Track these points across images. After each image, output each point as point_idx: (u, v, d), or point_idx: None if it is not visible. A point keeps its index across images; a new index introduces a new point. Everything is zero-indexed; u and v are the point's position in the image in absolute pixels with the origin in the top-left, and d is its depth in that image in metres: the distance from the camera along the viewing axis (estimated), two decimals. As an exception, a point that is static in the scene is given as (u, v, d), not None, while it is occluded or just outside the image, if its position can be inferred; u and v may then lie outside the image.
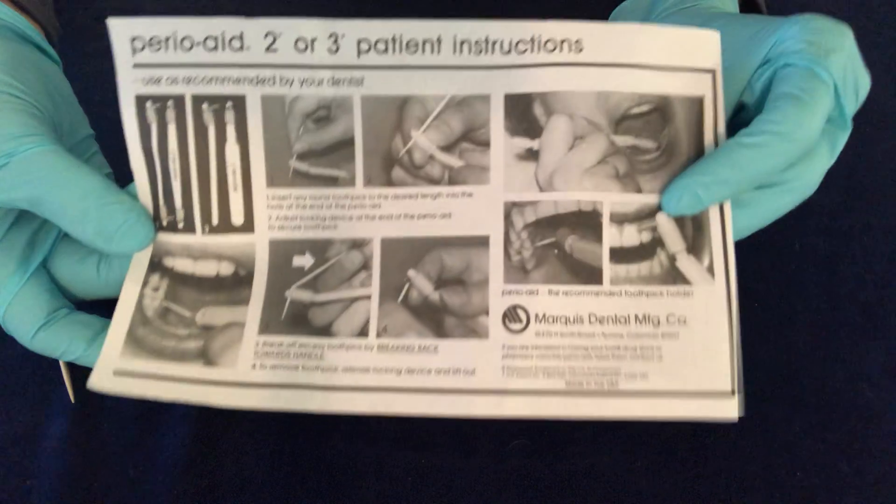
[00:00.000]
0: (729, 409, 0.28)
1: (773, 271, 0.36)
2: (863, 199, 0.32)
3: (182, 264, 0.30)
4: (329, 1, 0.46)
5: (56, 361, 0.34)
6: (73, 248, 0.30)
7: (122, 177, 0.31)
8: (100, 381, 0.28)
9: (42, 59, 0.32)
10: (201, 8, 0.46)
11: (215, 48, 0.29)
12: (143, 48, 0.29)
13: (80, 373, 0.34)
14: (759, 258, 0.31)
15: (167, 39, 0.28)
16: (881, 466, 0.32)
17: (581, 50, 0.29)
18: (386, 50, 0.29)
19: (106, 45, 0.44)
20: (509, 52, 0.29)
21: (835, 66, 0.28)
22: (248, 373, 0.29)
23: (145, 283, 0.29)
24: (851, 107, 0.29)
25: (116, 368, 0.28)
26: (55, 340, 0.29)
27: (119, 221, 0.27)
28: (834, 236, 0.38)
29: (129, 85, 0.29)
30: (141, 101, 0.29)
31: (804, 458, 0.32)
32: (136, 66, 0.29)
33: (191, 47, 0.29)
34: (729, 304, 0.28)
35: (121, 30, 0.28)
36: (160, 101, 0.29)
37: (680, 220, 0.29)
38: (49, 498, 0.31)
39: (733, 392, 0.28)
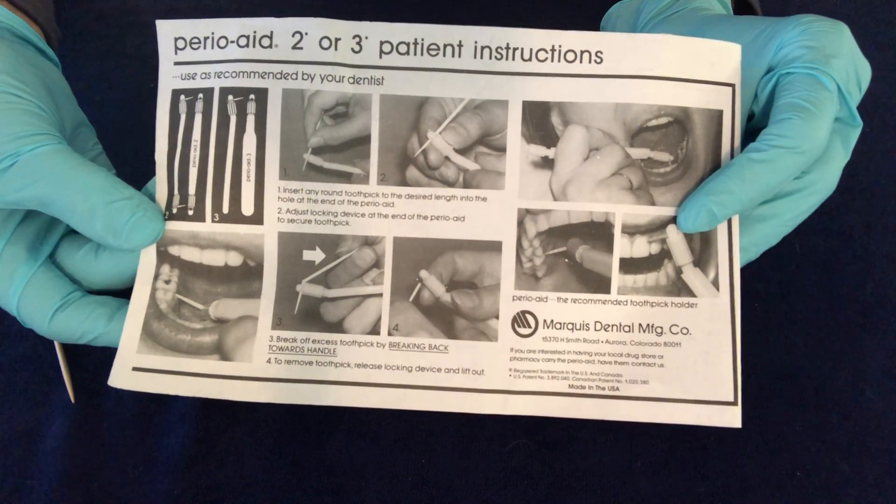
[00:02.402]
0: (732, 418, 0.29)
1: (773, 271, 0.36)
2: (863, 199, 0.32)
3: (189, 253, 0.30)
4: (327, 0, 0.46)
5: (56, 361, 0.34)
6: (74, 239, 0.30)
7: (122, 175, 0.31)
8: (119, 379, 0.29)
9: (41, 60, 0.32)
10: (202, 7, 0.46)
11: (247, 45, 0.30)
12: (184, 47, 0.30)
13: (80, 373, 0.34)
14: (759, 258, 0.31)
15: (206, 39, 0.30)
16: (881, 466, 0.32)
17: (601, 61, 0.30)
18: (407, 52, 0.30)
19: (106, 46, 0.44)
20: (529, 59, 0.30)
21: (837, 70, 0.28)
22: (264, 367, 0.29)
23: (157, 276, 0.30)
24: (856, 100, 0.29)
25: (135, 365, 0.29)
26: (73, 321, 0.29)
27: (127, 217, 0.28)
28: (834, 236, 0.38)
29: (168, 80, 0.30)
30: (175, 94, 0.30)
31: (804, 458, 0.33)
32: (177, 63, 0.30)
33: (225, 45, 0.30)
34: (732, 317, 0.29)
35: (166, 30, 0.30)
36: (192, 94, 0.30)
37: (689, 234, 0.29)
38: (49, 498, 0.31)
39: (735, 401, 0.29)
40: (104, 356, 0.34)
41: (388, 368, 0.30)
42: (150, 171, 0.31)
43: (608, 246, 0.30)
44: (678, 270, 0.29)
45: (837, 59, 0.28)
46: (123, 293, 0.31)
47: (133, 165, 0.33)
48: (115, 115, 0.40)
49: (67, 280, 0.30)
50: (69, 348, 0.34)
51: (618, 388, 0.29)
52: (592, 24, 0.42)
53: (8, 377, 0.34)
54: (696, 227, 0.28)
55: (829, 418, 0.33)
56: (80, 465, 0.32)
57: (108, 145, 0.33)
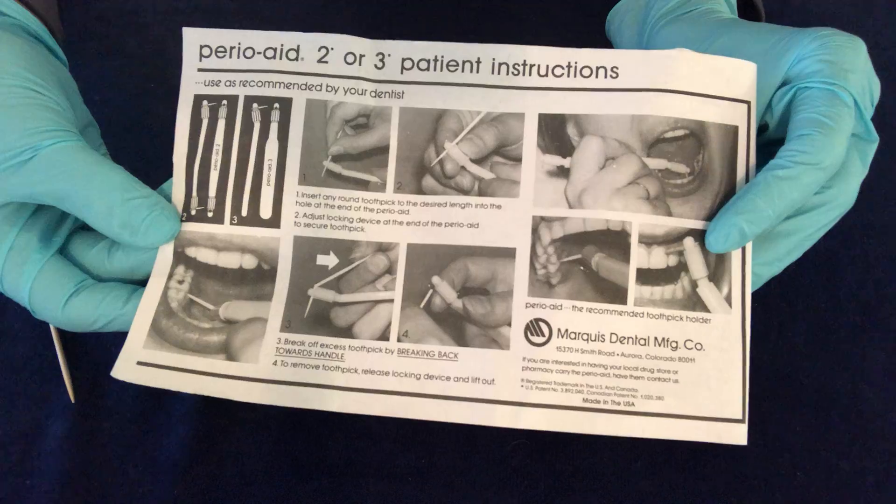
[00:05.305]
0: (738, 436, 0.28)
1: (773, 271, 0.36)
2: (863, 199, 0.32)
3: (205, 255, 0.30)
4: (328, 1, 0.46)
5: (56, 361, 0.34)
6: (86, 236, 0.31)
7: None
8: (123, 371, 0.29)
9: (53, 59, 0.32)
10: (202, 8, 0.46)
11: (273, 57, 0.31)
12: (209, 55, 0.31)
13: (80, 373, 0.34)
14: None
15: (232, 48, 0.31)
16: (881, 466, 0.32)
17: (617, 76, 0.30)
18: (427, 68, 0.31)
19: (106, 46, 0.44)
20: (546, 75, 0.30)
21: (855, 86, 0.28)
22: (270, 369, 0.29)
23: (171, 276, 0.30)
24: (870, 114, 0.29)
25: (140, 359, 0.29)
26: (89, 305, 0.29)
27: (144, 214, 0.28)
28: (834, 236, 0.38)
29: (190, 85, 0.31)
30: (198, 99, 0.31)
31: (804, 458, 0.33)
32: (200, 70, 0.31)
33: (252, 56, 0.31)
34: (743, 335, 0.29)
35: (192, 38, 0.31)
36: (215, 100, 0.31)
37: (704, 247, 0.29)
38: (49, 498, 0.31)
39: (743, 419, 0.28)
40: (104, 356, 0.34)
41: (395, 375, 0.29)
42: (151, 171, 0.31)
43: (625, 255, 0.29)
44: (694, 284, 0.29)
45: (854, 74, 0.28)
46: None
47: (133, 165, 0.32)
48: (115, 115, 0.40)
49: (79, 269, 0.30)
50: (69, 348, 0.34)
51: (633, 404, 0.28)
52: (600, 18, 0.42)
53: (8, 377, 0.34)
54: (727, 246, 0.28)
55: (829, 418, 0.33)
56: (80, 465, 0.32)
57: (107, 145, 0.33)
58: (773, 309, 0.36)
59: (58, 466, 0.32)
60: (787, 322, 0.36)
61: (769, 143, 0.31)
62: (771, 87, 0.30)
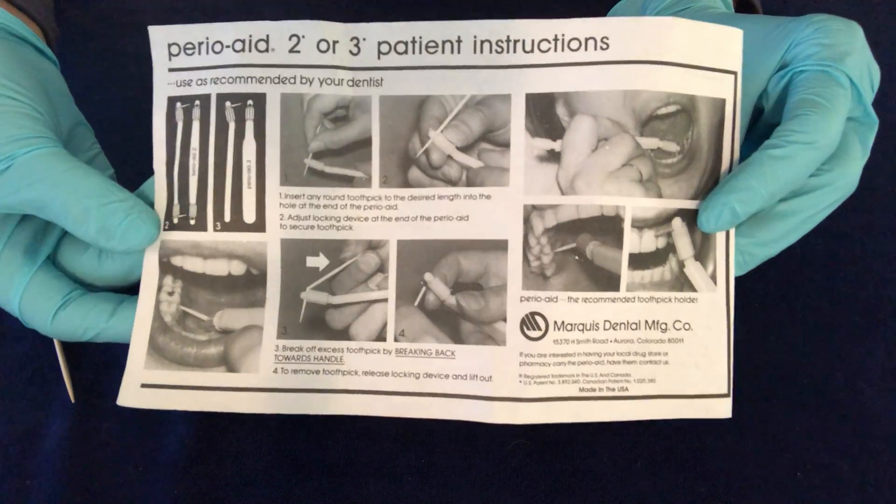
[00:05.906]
0: (723, 410, 0.29)
1: (773, 271, 0.36)
2: (863, 199, 0.32)
3: (192, 263, 0.29)
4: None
5: (56, 361, 0.34)
6: (76, 241, 0.30)
7: (123, 176, 0.31)
8: (129, 397, 0.29)
9: (39, 59, 0.32)
10: (201, 7, 0.46)
11: (242, 50, 0.29)
12: (178, 53, 0.30)
13: (80, 373, 0.34)
14: (759, 258, 0.31)
15: (200, 44, 0.30)
16: (881, 466, 0.32)
17: (607, 47, 0.28)
18: (406, 51, 0.29)
19: (106, 46, 0.44)
20: (531, 51, 0.29)
21: (851, 68, 0.28)
22: (271, 378, 0.29)
23: (160, 288, 0.29)
24: (869, 98, 0.29)
25: (143, 382, 0.29)
26: (75, 318, 0.29)
27: (121, 218, 0.28)
28: (834, 236, 0.38)
29: (163, 87, 0.30)
30: (172, 102, 0.30)
31: (804, 458, 0.33)
32: (171, 70, 0.30)
33: (221, 50, 0.29)
34: (728, 311, 0.29)
35: (159, 37, 0.30)
36: (188, 101, 0.30)
37: (691, 227, 0.29)
38: (49, 498, 0.31)
39: (728, 394, 0.29)
40: (104, 356, 0.34)
41: (394, 376, 0.29)
42: (149, 172, 0.31)
43: (618, 241, 0.28)
44: (681, 264, 0.29)
45: (851, 56, 0.28)
46: (129, 291, 0.31)
47: (134, 165, 0.33)
48: (115, 115, 0.40)
49: (68, 280, 0.30)
50: (69, 348, 0.34)
51: (627, 389, 0.28)
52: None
53: (8, 377, 0.34)
54: (718, 226, 0.28)
55: (829, 418, 0.33)
56: (80, 465, 0.32)
57: (108, 145, 0.33)
58: (773, 309, 0.36)
59: (58, 466, 0.32)
60: (787, 322, 0.36)
61: (767, 126, 0.31)
62: (768, 71, 0.30)
